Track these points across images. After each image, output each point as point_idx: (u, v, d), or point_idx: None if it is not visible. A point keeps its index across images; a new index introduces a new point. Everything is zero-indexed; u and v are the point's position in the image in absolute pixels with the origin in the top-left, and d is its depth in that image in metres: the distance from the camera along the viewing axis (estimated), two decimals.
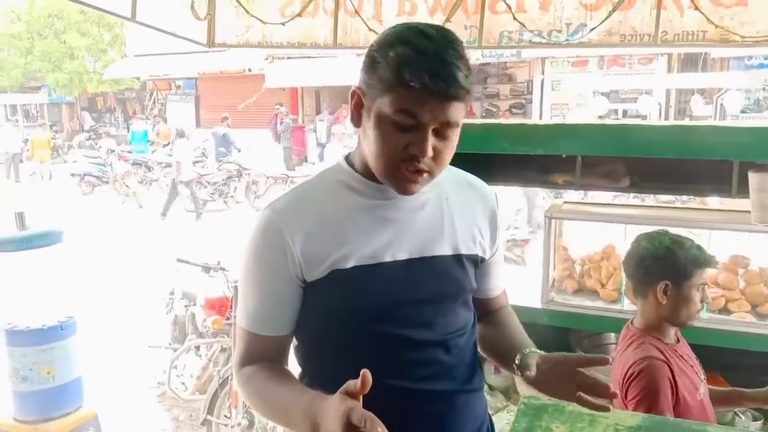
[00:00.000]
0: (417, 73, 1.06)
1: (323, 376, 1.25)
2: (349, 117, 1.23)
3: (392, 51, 1.09)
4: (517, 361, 1.24)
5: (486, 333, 1.40)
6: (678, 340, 1.91)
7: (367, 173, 1.21)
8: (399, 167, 1.12)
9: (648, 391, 1.71)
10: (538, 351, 1.24)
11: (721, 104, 12.02)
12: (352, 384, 0.97)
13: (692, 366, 1.86)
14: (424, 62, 1.06)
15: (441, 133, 1.11)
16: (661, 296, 1.81)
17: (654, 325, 1.86)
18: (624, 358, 1.84)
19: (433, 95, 1.07)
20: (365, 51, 1.17)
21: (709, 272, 2.66)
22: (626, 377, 1.78)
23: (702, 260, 1.82)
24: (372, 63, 1.13)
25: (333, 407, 0.98)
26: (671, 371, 1.74)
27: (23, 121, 21.57)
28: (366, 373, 0.96)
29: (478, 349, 1.38)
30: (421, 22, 1.14)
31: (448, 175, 1.31)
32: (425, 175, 1.14)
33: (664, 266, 1.81)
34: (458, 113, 1.11)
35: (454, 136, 1.14)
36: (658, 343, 1.82)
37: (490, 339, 1.39)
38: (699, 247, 1.84)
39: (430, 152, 1.10)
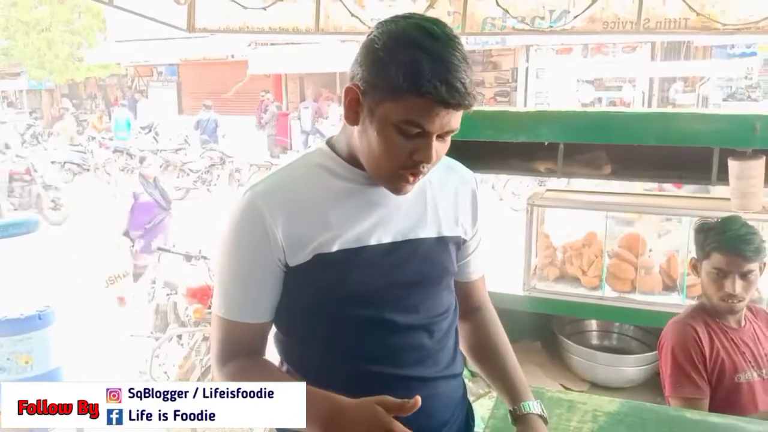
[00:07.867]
0: (432, 83, 1.01)
1: (306, 364, 1.24)
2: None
3: (401, 54, 1.03)
4: (511, 409, 1.31)
5: (475, 346, 1.41)
6: (742, 325, 1.90)
7: (351, 160, 1.19)
8: (399, 172, 1.12)
9: (667, 350, 1.87)
10: (532, 411, 1.29)
11: (703, 93, 12.12)
12: (390, 399, 1.02)
13: (743, 353, 1.84)
14: (438, 71, 1.02)
15: (442, 137, 1.11)
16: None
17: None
18: None
19: (447, 106, 1.05)
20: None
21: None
22: (658, 346, 1.97)
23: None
24: (376, 63, 1.06)
25: (366, 413, 1.01)
26: (699, 337, 1.81)
27: (2, 108, 21.19)
28: (418, 400, 1.02)
29: (461, 347, 1.37)
30: (417, 14, 1.12)
31: None
32: (421, 176, 1.14)
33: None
34: (460, 119, 1.11)
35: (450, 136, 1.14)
36: (704, 317, 1.89)
37: (481, 360, 1.40)
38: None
39: (435, 159, 1.11)
